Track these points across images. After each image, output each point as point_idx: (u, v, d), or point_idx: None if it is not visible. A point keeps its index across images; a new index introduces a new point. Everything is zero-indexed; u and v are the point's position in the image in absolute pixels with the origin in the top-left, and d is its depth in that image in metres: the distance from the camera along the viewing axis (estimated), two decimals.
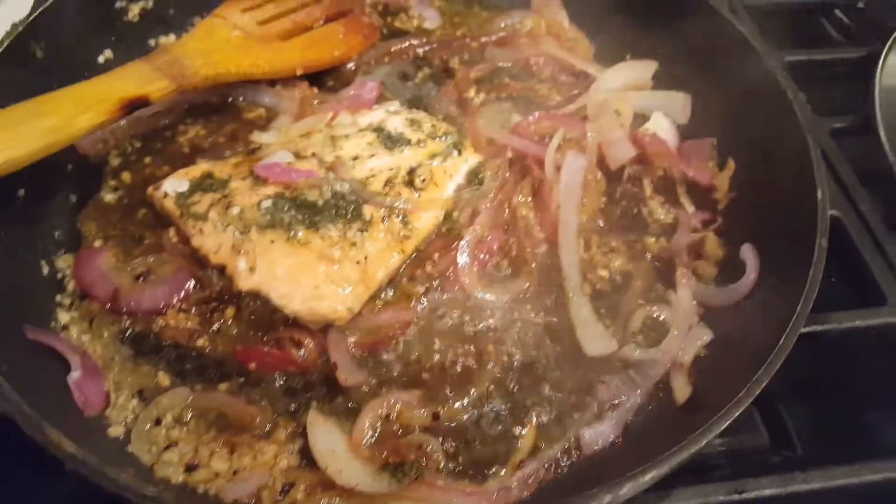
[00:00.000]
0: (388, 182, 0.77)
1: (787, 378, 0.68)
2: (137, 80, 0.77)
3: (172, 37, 0.98)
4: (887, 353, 0.74)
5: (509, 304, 0.73)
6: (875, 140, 0.84)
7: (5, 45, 0.77)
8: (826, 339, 0.71)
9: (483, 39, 1.01)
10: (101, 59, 0.91)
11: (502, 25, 1.04)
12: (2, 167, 0.65)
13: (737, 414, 0.58)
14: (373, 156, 0.79)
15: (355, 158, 0.78)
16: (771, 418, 0.74)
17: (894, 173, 0.80)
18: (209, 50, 0.84)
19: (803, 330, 0.66)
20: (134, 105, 0.75)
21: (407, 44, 1.00)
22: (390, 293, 0.72)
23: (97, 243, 0.77)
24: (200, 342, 0.69)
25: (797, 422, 0.73)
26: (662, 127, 0.89)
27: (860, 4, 1.16)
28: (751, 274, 0.72)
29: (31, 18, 0.80)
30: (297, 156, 0.79)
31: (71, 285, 0.74)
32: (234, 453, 0.62)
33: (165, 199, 0.76)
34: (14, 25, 0.80)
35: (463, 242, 0.75)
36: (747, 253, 0.74)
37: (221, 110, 0.91)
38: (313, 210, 0.72)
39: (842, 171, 0.87)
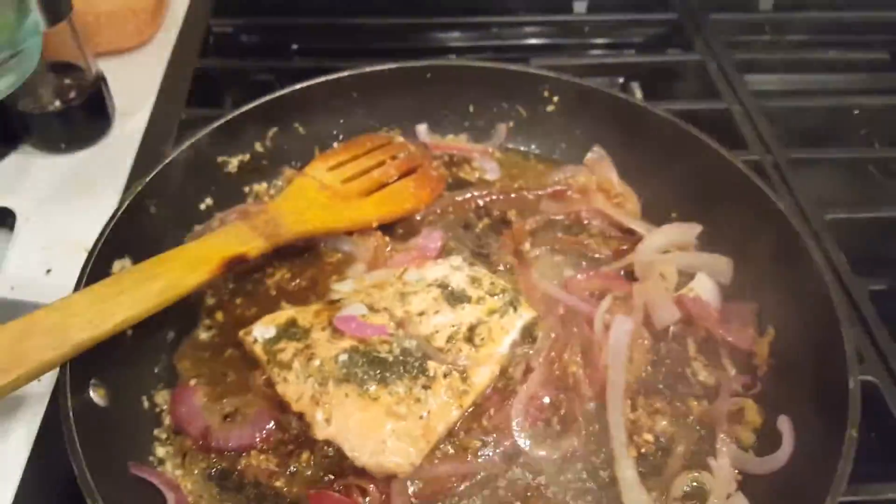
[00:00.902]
0: (450, 338, 0.88)
1: None
2: (237, 240, 0.92)
3: (264, 184, 1.15)
4: None
5: (560, 461, 0.81)
6: None
7: (126, 204, 0.93)
8: None
9: (538, 192, 1.15)
10: (202, 206, 1.08)
11: (556, 179, 1.18)
12: (119, 326, 0.79)
13: None
14: (437, 312, 0.91)
15: (421, 314, 0.90)
16: None
17: None
18: (300, 209, 1.00)
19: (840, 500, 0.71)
20: (234, 263, 0.91)
21: (469, 195, 1.15)
22: (448, 446, 0.82)
23: (192, 381, 0.90)
24: (278, 483, 0.79)
25: None
26: (706, 288, 0.98)
27: None
28: (787, 447, 0.78)
29: (147, 179, 0.97)
30: (371, 308, 0.92)
31: (167, 420, 0.87)
32: None
33: (255, 344, 0.89)
34: (134, 185, 0.97)
35: (516, 399, 0.85)
36: (784, 425, 0.81)
37: (303, 254, 1.05)
38: (384, 366, 0.83)
39: (879, 336, 0.93)
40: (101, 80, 1.29)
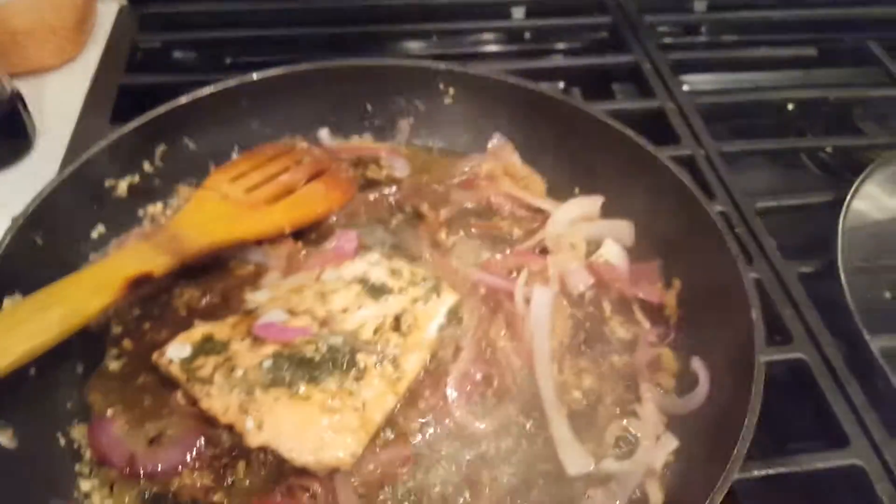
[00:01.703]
0: (377, 330, 0.92)
1: None
2: (140, 259, 0.91)
3: (159, 205, 1.14)
4: (851, 495, 0.87)
5: (497, 430, 0.87)
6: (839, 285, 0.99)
7: (7, 240, 0.91)
8: (792, 480, 0.84)
9: (448, 183, 1.22)
10: (94, 234, 1.06)
11: (463, 169, 1.24)
12: (22, 358, 0.77)
13: None
14: (360, 306, 0.94)
15: (345, 311, 0.94)
16: None
17: (854, 319, 0.95)
18: (203, 222, 1.00)
19: (770, 472, 0.82)
20: (138, 282, 0.90)
21: (380, 193, 1.19)
22: (389, 433, 0.86)
23: (109, 412, 0.88)
24: (216, 497, 0.80)
25: None
26: (613, 252, 1.08)
27: (828, 150, 1.38)
28: (703, 385, 0.88)
29: (29, 211, 0.95)
30: (291, 312, 0.94)
31: (88, 454, 0.85)
32: None
33: (171, 365, 0.89)
34: (14, 219, 0.95)
35: (450, 378, 0.90)
36: (697, 365, 0.91)
37: (212, 270, 1.05)
38: (311, 365, 0.86)
39: (808, 316, 1.01)
40: (17, 98, 1.28)
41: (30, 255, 0.93)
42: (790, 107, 1.52)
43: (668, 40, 1.68)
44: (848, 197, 1.14)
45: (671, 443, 0.85)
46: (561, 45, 1.73)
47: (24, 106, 1.31)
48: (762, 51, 1.67)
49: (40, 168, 1.29)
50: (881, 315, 1.01)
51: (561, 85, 1.59)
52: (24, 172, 1.30)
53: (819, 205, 1.22)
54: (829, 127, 1.51)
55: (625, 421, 0.88)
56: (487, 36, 1.71)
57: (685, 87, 1.49)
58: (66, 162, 1.29)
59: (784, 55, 1.67)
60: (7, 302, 0.88)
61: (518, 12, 1.74)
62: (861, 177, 1.18)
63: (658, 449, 0.84)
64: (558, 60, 1.68)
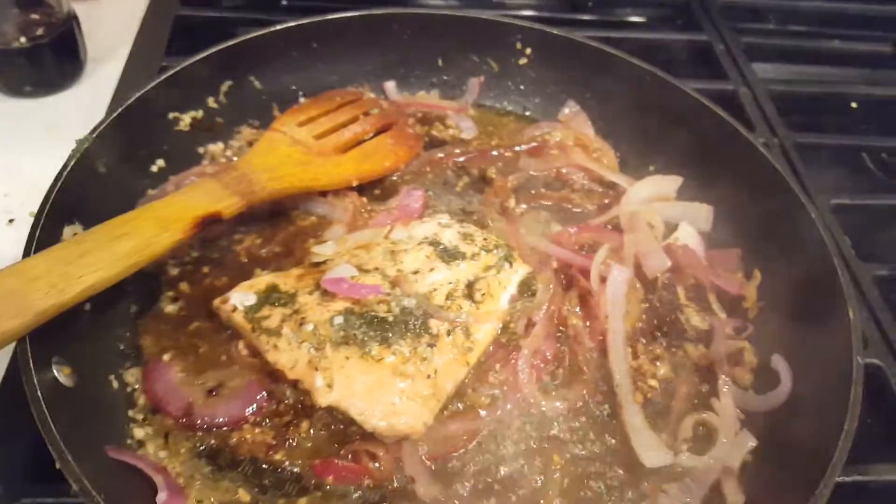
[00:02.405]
0: (450, 296, 0.86)
1: None
2: (210, 198, 0.86)
3: (220, 144, 1.09)
4: None
5: (567, 411, 0.82)
6: None
7: (72, 164, 0.86)
8: (865, 490, 0.81)
9: (516, 149, 1.15)
10: (154, 168, 1.01)
11: (533, 135, 1.18)
12: (92, 288, 0.73)
13: None
14: (432, 269, 0.89)
15: (416, 272, 0.88)
16: None
17: None
18: (273, 165, 0.95)
19: (842, 479, 0.77)
20: (207, 222, 0.85)
21: (446, 153, 1.13)
22: (458, 404, 0.81)
23: (165, 357, 0.84)
24: (277, 456, 0.76)
25: None
26: (691, 236, 1.02)
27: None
28: (786, 384, 0.83)
29: (94, 135, 0.90)
30: (360, 269, 0.89)
31: (141, 400, 0.81)
32: None
33: (234, 312, 0.84)
34: (79, 142, 0.90)
35: (521, 353, 0.85)
36: (779, 364, 0.85)
37: (274, 219, 1.00)
38: (384, 326, 0.81)
39: (884, 320, 0.97)
40: (72, 18, 1.23)
41: (91, 183, 0.89)
42: (854, 105, 1.45)
43: (739, 24, 1.59)
44: None
45: (749, 441, 0.81)
46: (619, 18, 1.64)
47: (79, 27, 1.26)
48: (836, 44, 1.59)
49: (92, 94, 1.26)
50: None
51: None
52: (76, 97, 1.26)
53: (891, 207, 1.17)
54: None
55: (702, 414, 0.83)
56: (545, 2, 1.63)
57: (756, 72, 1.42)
58: (120, 89, 1.25)
59: (860, 49, 1.59)
60: (67, 231, 0.83)
61: None
62: None
63: (736, 446, 0.80)
64: (627, 32, 1.58)
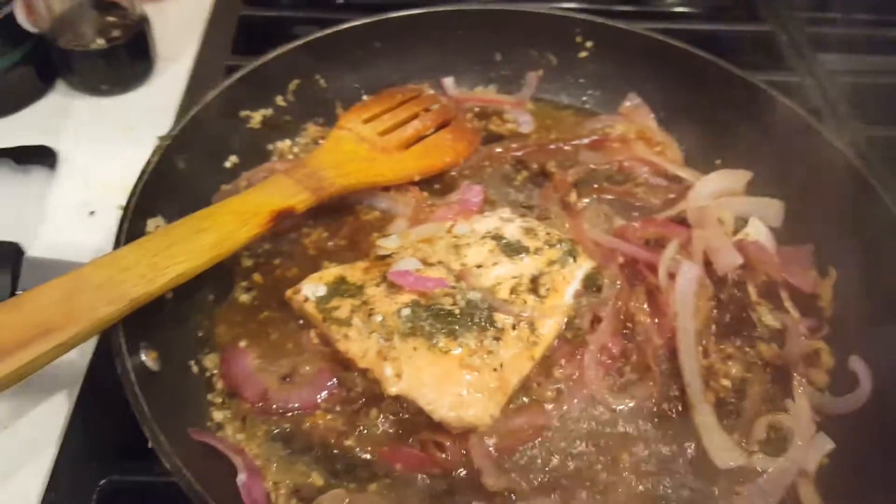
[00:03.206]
0: (514, 290, 0.87)
1: None
2: (283, 193, 0.89)
3: (287, 141, 1.11)
4: None
5: (635, 409, 0.82)
6: None
7: (155, 160, 0.90)
8: None
9: (576, 143, 1.14)
10: (227, 164, 1.04)
11: (593, 129, 1.17)
12: (179, 278, 0.76)
13: None
14: (496, 264, 0.89)
15: (480, 266, 0.89)
16: None
17: None
18: (340, 162, 0.98)
19: None
20: (282, 216, 0.88)
21: (504, 148, 1.13)
22: (523, 398, 0.82)
23: (241, 343, 0.87)
24: (348, 442, 0.78)
25: None
26: (761, 232, 0.99)
27: None
28: (865, 386, 0.80)
29: (174, 133, 0.94)
30: (424, 262, 0.90)
31: (220, 384, 0.84)
32: None
33: (306, 302, 0.87)
34: (161, 139, 0.94)
35: (588, 349, 0.84)
36: (857, 365, 0.82)
37: (339, 213, 1.02)
38: (450, 318, 0.82)
39: None
40: (144, 20, 1.29)
41: (171, 178, 0.92)
42: None
43: (801, 13, 1.52)
44: None
45: (826, 444, 0.78)
46: (670, 9, 1.60)
47: (150, 29, 1.32)
48: None
49: (163, 92, 1.32)
50: None
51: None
52: (148, 95, 1.32)
53: None
54: None
55: (775, 416, 0.81)
56: None
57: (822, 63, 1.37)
58: (190, 87, 1.30)
59: None
60: (151, 223, 0.87)
61: None
62: None
63: (812, 449, 0.78)
64: (687, 23, 1.54)
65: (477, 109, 1.20)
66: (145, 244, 0.76)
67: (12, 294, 0.78)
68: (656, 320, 0.88)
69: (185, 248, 0.77)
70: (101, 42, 1.24)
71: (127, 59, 1.29)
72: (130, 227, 0.82)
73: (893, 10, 1.55)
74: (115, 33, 1.25)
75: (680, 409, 0.82)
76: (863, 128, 1.25)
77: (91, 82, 1.29)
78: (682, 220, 1.01)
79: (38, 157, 1.17)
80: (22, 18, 1.22)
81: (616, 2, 1.56)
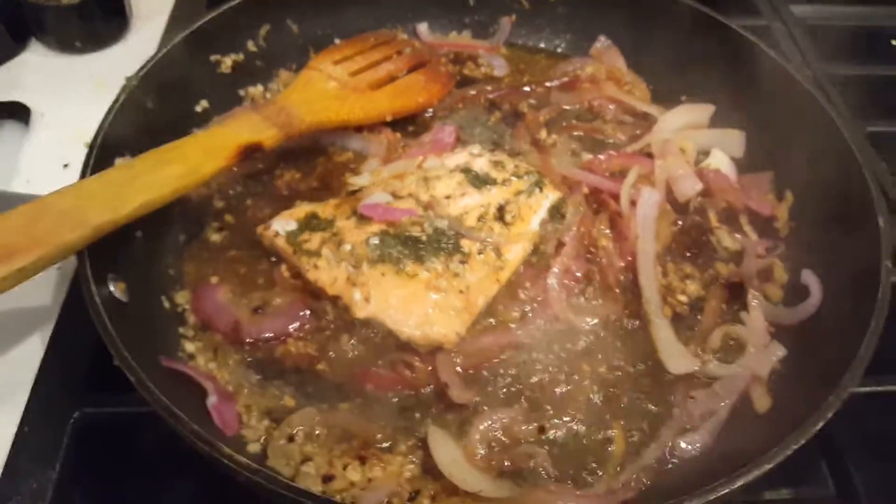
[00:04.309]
0: (481, 218, 0.87)
1: (856, 433, 0.78)
2: (251, 129, 0.88)
3: (260, 87, 1.10)
4: None
5: (597, 327, 0.83)
6: None
7: (122, 99, 0.89)
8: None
9: (548, 84, 1.14)
10: (198, 108, 1.03)
11: (566, 71, 1.16)
12: (143, 207, 0.76)
13: (820, 424, 0.65)
14: (464, 194, 0.89)
15: (448, 197, 0.89)
16: (838, 472, 0.79)
17: None
18: (310, 100, 0.97)
19: (876, 388, 0.77)
20: (249, 151, 0.87)
21: (479, 90, 1.12)
22: (490, 320, 0.82)
23: (213, 280, 0.87)
24: (320, 367, 0.78)
25: (864, 476, 0.78)
26: (723, 162, 1.00)
27: None
28: (816, 295, 0.82)
29: (142, 73, 0.93)
30: (395, 196, 0.90)
31: (191, 318, 0.84)
32: (364, 465, 0.70)
33: (276, 237, 0.86)
34: (128, 79, 0.92)
35: (551, 272, 0.85)
36: (808, 278, 0.84)
37: (312, 154, 1.02)
38: (417, 244, 0.82)
39: None
40: None
41: (140, 119, 0.91)
42: (894, 42, 1.37)
43: None
44: None
45: (779, 350, 0.80)
46: None
47: None
48: None
49: (137, 49, 1.28)
50: None
51: None
52: (122, 52, 1.29)
53: None
54: None
55: (731, 327, 0.82)
56: None
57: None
58: (164, 42, 1.26)
59: None
60: (118, 161, 0.86)
61: None
62: None
63: (765, 355, 0.79)
64: None
65: (451, 55, 1.19)
66: (109, 175, 0.76)
67: None
68: (618, 244, 0.88)
69: (150, 178, 0.76)
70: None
71: (101, 16, 1.27)
72: (96, 164, 0.82)
73: None
74: None
75: (638, 324, 0.83)
76: (826, 66, 1.24)
77: (65, 39, 1.26)
78: (648, 154, 1.01)
79: (12, 112, 1.15)
80: None
81: None
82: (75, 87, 1.22)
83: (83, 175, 0.80)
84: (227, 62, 1.06)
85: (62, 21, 1.24)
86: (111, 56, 1.29)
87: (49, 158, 1.10)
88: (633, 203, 0.91)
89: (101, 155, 0.82)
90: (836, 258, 0.83)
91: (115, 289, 0.77)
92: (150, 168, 0.77)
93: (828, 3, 1.47)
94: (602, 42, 1.17)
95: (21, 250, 0.65)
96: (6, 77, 1.24)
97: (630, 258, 0.87)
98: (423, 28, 1.20)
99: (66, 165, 1.09)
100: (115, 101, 0.87)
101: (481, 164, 0.94)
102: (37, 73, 1.24)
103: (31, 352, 0.85)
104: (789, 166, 0.96)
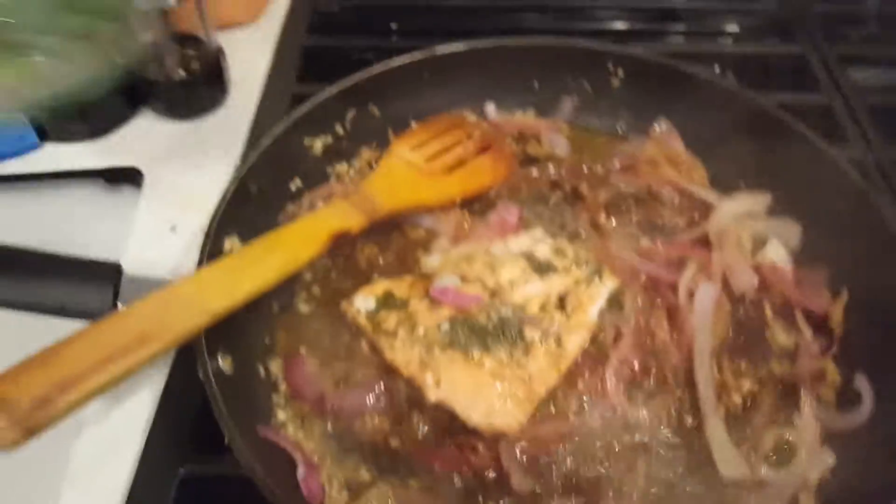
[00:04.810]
0: (543, 306, 0.92)
1: None
2: (341, 216, 0.97)
3: (345, 164, 1.19)
4: None
5: (653, 421, 0.86)
6: None
7: (233, 187, 0.98)
8: None
9: (608, 166, 1.18)
10: (292, 186, 1.12)
11: (625, 153, 1.20)
12: (253, 294, 0.84)
13: None
14: (527, 281, 0.94)
15: (512, 284, 0.94)
16: None
17: None
18: (391, 187, 1.05)
19: None
20: (340, 237, 0.95)
21: (540, 170, 1.17)
22: (550, 407, 0.87)
23: (302, 350, 0.95)
24: (393, 442, 0.85)
25: None
26: (779, 254, 1.02)
27: None
28: (867, 403, 0.83)
29: (249, 166, 1.02)
30: (463, 279, 0.96)
31: (283, 387, 0.92)
32: None
33: (358, 314, 0.94)
34: (237, 169, 1.02)
35: (609, 362, 0.89)
36: (862, 383, 0.85)
37: (389, 230, 1.09)
38: (484, 332, 0.88)
39: None
40: (220, 52, 1.38)
41: (246, 203, 1.00)
42: None
43: (834, 30, 1.51)
44: None
45: (829, 457, 0.81)
46: (713, 29, 1.60)
47: (225, 59, 1.41)
48: None
49: (235, 116, 1.40)
50: None
51: (716, 68, 1.48)
52: (222, 118, 1.40)
53: None
54: None
55: (783, 429, 0.84)
56: (637, 14, 1.60)
57: (853, 82, 1.36)
58: (260, 112, 1.39)
59: None
60: (227, 242, 0.96)
61: None
62: None
63: (815, 462, 0.81)
64: (719, 46, 1.56)
65: (516, 133, 1.25)
66: (226, 264, 0.85)
67: (114, 305, 0.87)
68: (675, 337, 0.91)
69: (258, 267, 0.85)
70: (181, 73, 1.34)
71: (204, 88, 1.39)
72: (211, 248, 0.91)
73: None
74: (194, 65, 1.35)
75: (692, 421, 0.86)
76: (889, 150, 1.24)
77: (173, 108, 1.39)
78: (704, 241, 1.04)
79: (127, 177, 1.28)
80: None
81: (657, 20, 1.60)
82: (180, 152, 1.33)
83: (200, 259, 0.89)
84: (318, 145, 1.15)
85: (173, 93, 1.37)
86: (212, 122, 1.40)
87: (158, 221, 1.21)
88: (690, 295, 0.95)
89: (214, 241, 0.92)
90: (887, 366, 0.84)
91: (223, 363, 0.86)
92: (258, 258, 0.86)
93: (890, 68, 1.47)
94: (661, 125, 1.21)
95: (155, 336, 0.74)
96: (120, 141, 1.37)
97: (686, 351, 0.90)
98: (490, 108, 1.26)
99: (173, 228, 1.20)
100: (226, 192, 0.96)
101: (543, 251, 0.99)
102: (147, 138, 1.36)
103: (140, 413, 0.94)
104: (846, 263, 0.97)
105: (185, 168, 1.30)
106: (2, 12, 0.79)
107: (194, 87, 1.37)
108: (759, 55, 1.50)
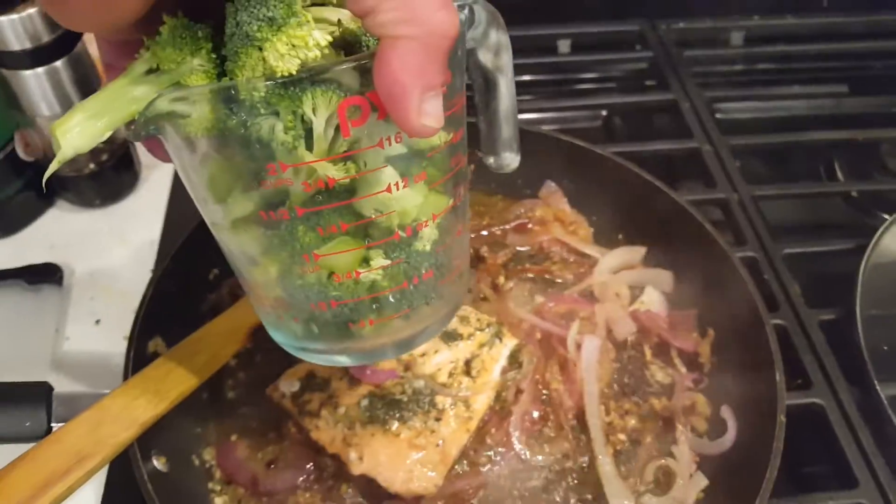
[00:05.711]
0: (451, 374, 1.03)
1: None
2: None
3: None
4: None
5: (553, 464, 0.98)
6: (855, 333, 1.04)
7: (151, 292, 1.04)
8: None
9: (504, 227, 1.31)
10: (211, 276, 1.18)
11: (517, 213, 1.33)
12: (179, 398, 0.90)
13: None
14: (436, 351, 1.05)
15: (423, 355, 1.05)
16: None
17: (867, 367, 1.00)
18: None
19: None
20: (257, 330, 1.03)
21: None
22: (464, 464, 0.98)
23: (233, 436, 1.02)
24: None
25: None
26: (654, 300, 1.17)
27: (853, 194, 1.41)
28: (731, 432, 0.98)
29: (163, 270, 1.07)
30: None
31: (217, 473, 0.99)
32: None
33: (283, 398, 1.02)
34: (154, 272, 1.08)
35: (512, 417, 1.01)
36: (726, 413, 1.00)
37: None
38: (400, 406, 0.98)
39: (827, 363, 1.07)
40: (129, 142, 1.42)
41: (166, 302, 1.07)
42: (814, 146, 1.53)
43: (704, 71, 1.70)
44: (870, 246, 1.19)
45: (702, 481, 0.95)
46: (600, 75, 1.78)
47: (134, 146, 1.45)
48: (795, 89, 1.70)
49: (148, 198, 1.45)
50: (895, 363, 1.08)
51: (604, 113, 1.66)
52: (135, 203, 1.45)
53: (845, 251, 1.26)
54: (856, 163, 1.53)
55: (662, 460, 0.98)
56: (532, 66, 1.74)
57: (720, 124, 1.53)
58: (174, 190, 1.45)
59: (817, 92, 1.70)
60: (150, 344, 1.02)
61: (564, 46, 1.79)
62: (884, 226, 1.22)
63: (691, 487, 0.95)
64: (603, 98, 1.74)
65: None
66: (149, 374, 0.91)
67: (48, 428, 0.92)
68: (567, 387, 1.04)
69: (183, 371, 0.91)
70: (92, 166, 1.38)
71: (115, 176, 1.43)
72: (136, 354, 0.97)
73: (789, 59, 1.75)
74: (105, 157, 1.39)
75: (588, 461, 0.99)
76: (750, 188, 1.40)
77: (85, 199, 1.43)
78: (591, 294, 1.19)
79: (47, 274, 1.31)
80: (21, 152, 1.36)
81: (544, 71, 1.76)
82: (98, 242, 1.37)
83: (126, 368, 0.96)
84: None
85: (84, 185, 1.41)
86: (126, 207, 1.44)
87: (83, 315, 1.25)
88: (578, 346, 1.08)
89: (138, 345, 0.99)
90: (745, 397, 0.99)
91: (158, 462, 0.92)
92: (181, 361, 0.93)
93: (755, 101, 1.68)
94: (548, 186, 1.35)
95: (91, 454, 0.79)
96: (37, 235, 1.40)
97: (578, 398, 1.03)
98: None
99: (97, 321, 1.24)
100: (144, 298, 1.03)
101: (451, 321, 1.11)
102: (62, 231, 1.40)
103: None
104: (711, 305, 1.12)
105: (103, 257, 1.34)
106: None
107: (105, 177, 1.41)
108: (638, 105, 1.68)
